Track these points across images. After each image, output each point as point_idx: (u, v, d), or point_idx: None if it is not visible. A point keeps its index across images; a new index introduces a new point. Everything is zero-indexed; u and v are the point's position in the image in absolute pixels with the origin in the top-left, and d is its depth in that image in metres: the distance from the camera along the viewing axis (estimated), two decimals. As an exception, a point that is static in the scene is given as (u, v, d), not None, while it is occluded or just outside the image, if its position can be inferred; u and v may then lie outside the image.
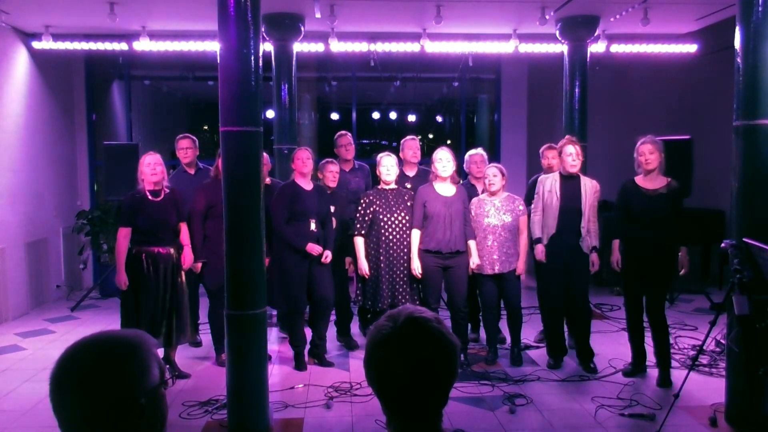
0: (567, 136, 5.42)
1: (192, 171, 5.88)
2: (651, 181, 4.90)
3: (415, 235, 5.22)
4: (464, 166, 5.98)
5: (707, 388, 4.75)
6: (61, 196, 8.21)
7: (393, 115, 12.02)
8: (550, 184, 5.21)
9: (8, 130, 7.07)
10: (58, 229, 8.09)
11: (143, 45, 7.20)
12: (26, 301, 7.32)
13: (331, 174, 5.54)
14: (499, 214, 5.25)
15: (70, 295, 7.99)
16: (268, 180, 5.85)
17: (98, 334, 1.28)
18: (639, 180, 4.96)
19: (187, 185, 5.58)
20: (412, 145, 5.91)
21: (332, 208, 5.50)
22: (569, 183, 5.17)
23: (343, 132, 6.25)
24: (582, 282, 5.23)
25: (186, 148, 5.85)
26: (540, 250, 5.20)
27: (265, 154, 5.96)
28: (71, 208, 8.35)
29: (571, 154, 5.12)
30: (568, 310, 5.36)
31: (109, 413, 1.20)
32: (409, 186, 5.62)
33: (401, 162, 5.94)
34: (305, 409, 4.50)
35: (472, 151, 5.97)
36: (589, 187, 5.17)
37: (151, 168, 4.88)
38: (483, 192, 5.50)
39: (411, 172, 5.89)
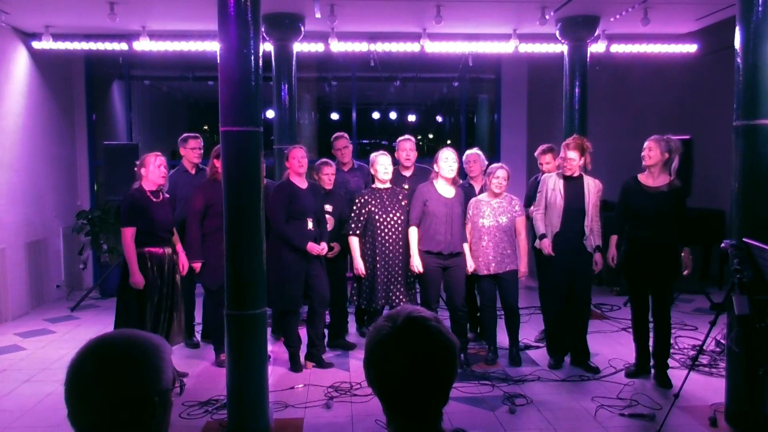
0: (574, 136, 5.37)
1: (193, 171, 5.88)
2: (653, 179, 4.89)
3: (413, 232, 5.18)
4: (464, 166, 5.97)
5: (707, 388, 4.75)
6: (61, 196, 8.21)
7: (393, 115, 12.02)
8: (553, 183, 5.19)
9: (8, 130, 7.07)
10: (58, 229, 8.08)
11: (143, 45, 7.20)
12: (26, 301, 7.31)
13: (327, 176, 5.49)
14: (495, 215, 5.24)
15: (70, 295, 7.99)
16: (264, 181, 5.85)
17: (123, 331, 1.33)
18: (641, 177, 4.96)
19: (188, 185, 5.59)
20: (405, 147, 5.82)
21: (329, 207, 5.49)
22: (572, 183, 5.16)
23: (339, 134, 6.16)
24: (584, 281, 5.23)
25: (199, 148, 5.87)
26: (546, 244, 5.18)
27: None
28: (71, 208, 8.34)
29: (570, 160, 5.09)
30: (567, 309, 5.36)
31: (124, 407, 1.23)
32: (406, 186, 5.57)
33: (396, 162, 5.91)
34: (305, 409, 4.50)
35: (468, 151, 5.97)
36: (592, 187, 5.17)
37: (161, 170, 4.89)
38: (480, 192, 5.49)
39: (407, 173, 5.85)
